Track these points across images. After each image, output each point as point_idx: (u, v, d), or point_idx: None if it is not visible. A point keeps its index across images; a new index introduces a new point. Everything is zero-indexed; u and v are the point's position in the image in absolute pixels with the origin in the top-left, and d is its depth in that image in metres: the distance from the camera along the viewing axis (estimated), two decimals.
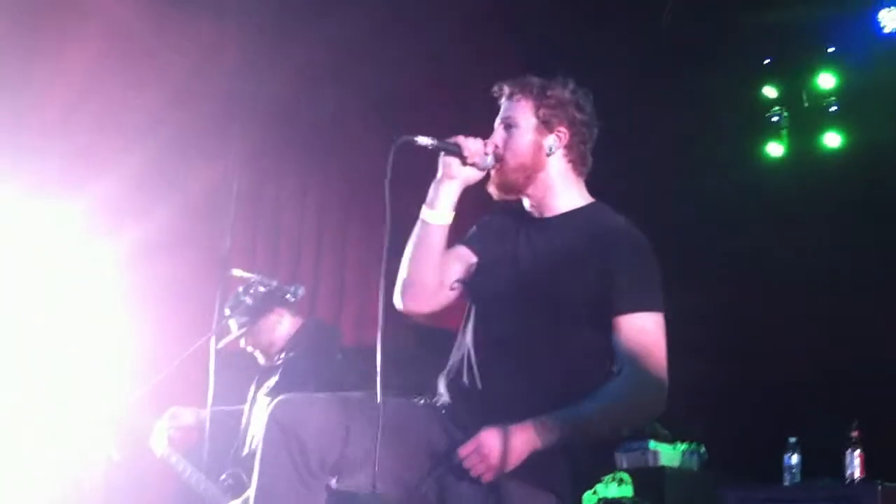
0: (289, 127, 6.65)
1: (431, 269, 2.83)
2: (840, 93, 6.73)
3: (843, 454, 4.87)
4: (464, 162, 2.80)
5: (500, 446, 2.54)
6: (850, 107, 6.70)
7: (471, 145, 2.80)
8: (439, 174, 2.83)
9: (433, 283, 2.85)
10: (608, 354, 2.73)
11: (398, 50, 6.64)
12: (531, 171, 2.84)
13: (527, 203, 2.92)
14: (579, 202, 2.89)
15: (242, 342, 4.62)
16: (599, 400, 2.64)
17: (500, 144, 2.84)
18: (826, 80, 6.76)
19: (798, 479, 4.98)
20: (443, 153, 2.82)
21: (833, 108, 6.74)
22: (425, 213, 2.82)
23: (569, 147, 2.87)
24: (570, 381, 2.70)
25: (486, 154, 2.81)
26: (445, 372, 2.90)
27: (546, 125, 2.85)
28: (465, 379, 2.80)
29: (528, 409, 2.62)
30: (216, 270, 4.55)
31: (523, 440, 2.56)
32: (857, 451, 4.85)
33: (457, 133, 2.85)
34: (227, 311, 4.54)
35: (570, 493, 2.78)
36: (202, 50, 6.10)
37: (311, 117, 6.74)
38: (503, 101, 2.91)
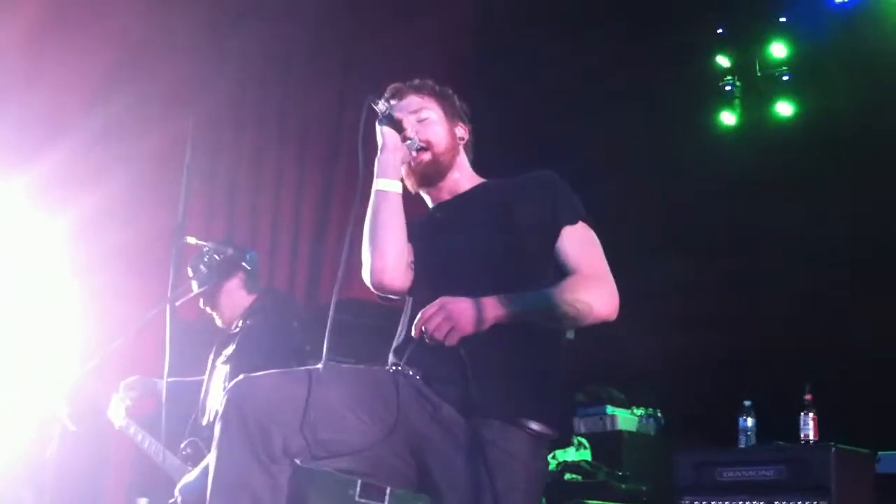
0: (244, 94, 6.62)
1: (401, 237, 2.86)
2: (792, 62, 6.81)
3: (798, 417, 4.93)
4: (402, 138, 2.91)
5: (463, 306, 2.59)
6: (801, 76, 6.77)
7: (409, 123, 2.92)
8: (382, 145, 2.90)
9: (406, 253, 2.87)
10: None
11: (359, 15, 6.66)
12: (454, 153, 3.01)
13: (430, 201, 3.06)
14: (478, 181, 3.08)
15: (201, 303, 4.59)
16: (558, 286, 2.74)
17: (420, 133, 2.95)
18: (778, 50, 6.84)
19: (753, 441, 5.03)
20: (384, 126, 2.90)
21: (785, 78, 6.81)
22: (382, 183, 2.85)
23: (466, 141, 3.09)
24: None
25: (415, 135, 2.93)
26: (394, 349, 2.89)
27: (451, 119, 3.05)
28: (422, 347, 2.76)
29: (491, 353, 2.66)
30: (171, 238, 4.49)
31: (485, 304, 2.62)
32: (811, 414, 4.91)
33: None
34: (190, 272, 4.52)
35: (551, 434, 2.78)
36: (160, 17, 6.03)
37: (268, 84, 6.73)
38: (401, 101, 3.01)
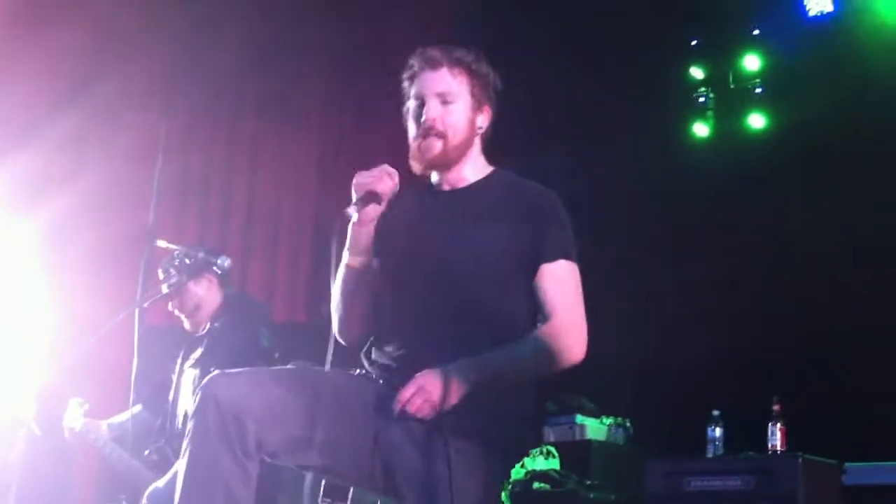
0: (221, 98, 6.59)
1: (364, 305, 2.86)
2: (765, 75, 6.83)
3: (766, 427, 4.95)
4: (379, 202, 2.77)
5: (440, 385, 2.57)
6: (774, 89, 6.80)
7: (385, 188, 2.76)
8: (356, 220, 2.78)
9: (368, 314, 2.87)
10: (533, 307, 2.79)
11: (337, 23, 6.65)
12: (468, 144, 2.88)
13: (436, 178, 2.94)
14: (486, 171, 2.96)
15: (170, 305, 4.56)
16: (529, 343, 2.73)
17: (439, 119, 2.83)
18: (751, 62, 6.86)
19: (721, 451, 5.05)
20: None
21: (758, 90, 6.85)
22: (350, 258, 2.81)
23: (485, 130, 2.94)
24: (498, 338, 2.72)
25: (396, 185, 2.79)
26: (366, 349, 2.90)
27: (478, 103, 2.89)
28: (394, 352, 2.80)
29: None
30: (142, 240, 4.46)
31: (460, 378, 2.59)
32: (779, 425, 4.93)
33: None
34: (160, 274, 4.50)
35: (508, 459, 2.82)
36: (133, 19, 6.00)
37: (245, 89, 6.70)
38: (433, 71, 2.87)
